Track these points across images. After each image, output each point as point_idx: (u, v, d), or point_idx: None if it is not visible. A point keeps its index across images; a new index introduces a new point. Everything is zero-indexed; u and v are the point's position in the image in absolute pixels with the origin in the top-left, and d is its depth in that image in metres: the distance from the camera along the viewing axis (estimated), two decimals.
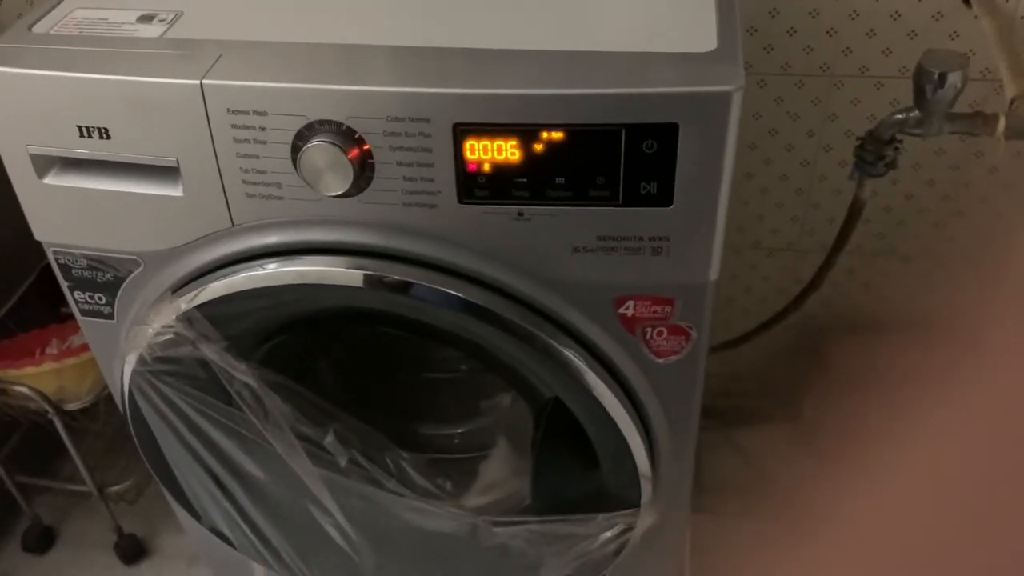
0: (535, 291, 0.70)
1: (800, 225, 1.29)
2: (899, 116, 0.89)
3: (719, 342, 1.30)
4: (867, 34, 1.08)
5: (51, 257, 0.78)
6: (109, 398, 0.87)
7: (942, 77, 0.82)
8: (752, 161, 1.22)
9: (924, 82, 0.84)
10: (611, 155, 0.63)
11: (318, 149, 0.64)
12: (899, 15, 1.06)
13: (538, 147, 0.63)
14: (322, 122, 0.64)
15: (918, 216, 1.26)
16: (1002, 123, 0.85)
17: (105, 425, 1.31)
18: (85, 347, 1.16)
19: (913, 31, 1.07)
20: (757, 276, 1.35)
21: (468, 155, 0.64)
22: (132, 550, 1.39)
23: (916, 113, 0.87)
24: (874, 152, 0.94)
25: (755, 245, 1.32)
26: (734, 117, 0.61)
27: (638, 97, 0.61)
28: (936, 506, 0.31)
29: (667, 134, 0.62)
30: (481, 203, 0.66)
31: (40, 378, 1.21)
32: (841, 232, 1.06)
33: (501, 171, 0.65)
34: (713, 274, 0.69)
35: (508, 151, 0.64)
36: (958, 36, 1.07)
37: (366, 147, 0.65)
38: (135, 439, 0.86)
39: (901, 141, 0.94)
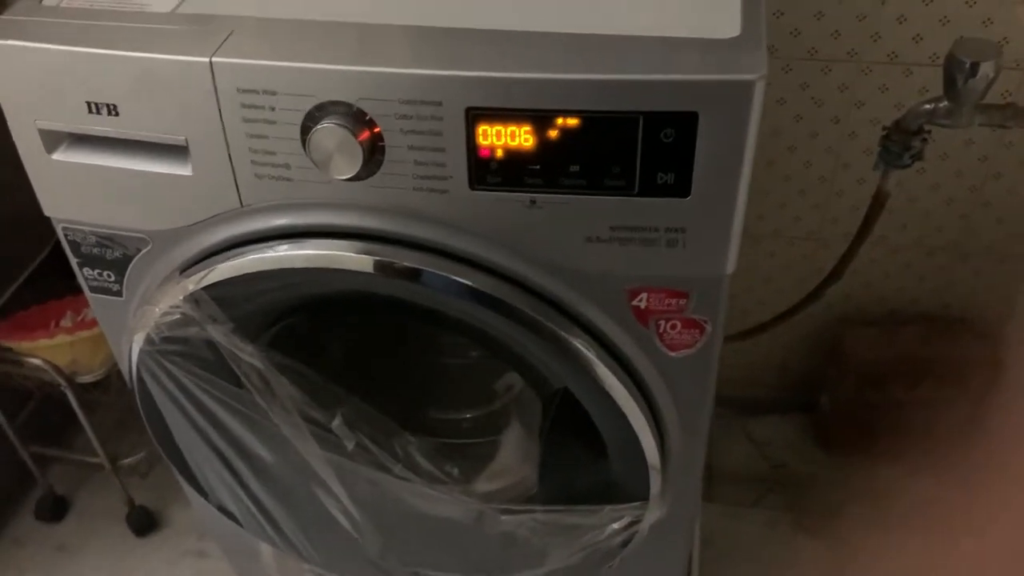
0: (546, 281, 0.69)
1: (822, 214, 1.26)
2: (928, 106, 0.86)
3: (736, 331, 1.28)
4: (898, 19, 1.05)
5: (60, 233, 0.78)
6: (121, 371, 0.86)
7: (974, 66, 0.79)
8: (775, 148, 1.20)
9: (955, 71, 0.81)
10: (628, 143, 0.61)
11: (328, 131, 0.63)
12: (932, 0, 1.03)
13: (552, 133, 0.62)
14: (332, 103, 0.63)
15: (944, 207, 1.23)
16: None
17: (117, 398, 1.32)
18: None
19: (945, 17, 1.04)
20: (777, 265, 1.33)
21: (480, 140, 0.63)
22: (143, 522, 1.40)
23: (945, 103, 0.84)
24: (900, 143, 0.91)
25: (775, 234, 1.30)
26: (756, 107, 0.59)
27: (657, 84, 0.59)
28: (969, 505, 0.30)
29: (686, 123, 0.60)
30: (493, 190, 0.65)
31: (54, 350, 1.22)
32: (864, 223, 1.04)
33: (514, 157, 0.63)
34: (730, 267, 0.67)
35: (521, 137, 0.62)
36: (992, 23, 1.03)
37: (376, 130, 0.64)
38: (143, 417, 0.86)
39: (929, 132, 0.91)
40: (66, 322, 1.28)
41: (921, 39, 1.06)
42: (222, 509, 0.92)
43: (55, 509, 1.43)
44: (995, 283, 1.29)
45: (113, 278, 0.79)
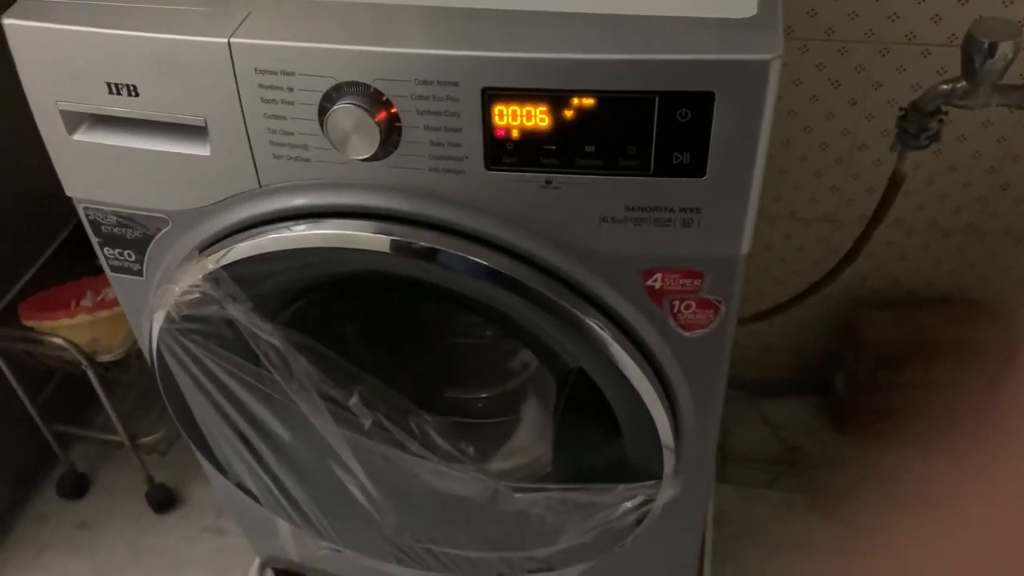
0: (562, 261, 0.69)
1: (839, 195, 1.26)
2: (945, 87, 0.86)
3: (751, 313, 1.28)
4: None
5: (81, 213, 0.79)
6: (141, 351, 0.88)
7: (992, 47, 0.79)
8: (791, 129, 1.19)
9: (973, 51, 0.80)
10: (643, 123, 0.61)
11: (345, 111, 0.64)
12: None
13: (568, 114, 0.62)
14: (350, 84, 0.63)
15: (962, 189, 1.22)
16: None
17: (137, 377, 1.33)
18: (118, 300, 1.17)
19: None
20: (792, 247, 1.33)
21: (497, 120, 0.63)
22: (163, 499, 1.42)
23: (963, 84, 0.84)
24: (917, 124, 0.91)
25: (791, 215, 1.29)
26: (772, 87, 0.59)
27: (673, 64, 0.59)
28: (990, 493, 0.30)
29: (702, 103, 0.60)
30: (509, 170, 0.65)
31: (74, 330, 1.23)
32: (880, 205, 1.03)
33: (530, 138, 0.63)
34: (745, 247, 0.68)
35: (537, 117, 0.63)
36: (1012, 2, 1.02)
37: (393, 110, 0.64)
38: (163, 395, 0.87)
39: (946, 113, 0.90)
40: (86, 302, 1.29)
41: (940, 19, 1.05)
42: (240, 486, 0.94)
43: (77, 486, 1.46)
44: (1012, 265, 1.29)
45: (134, 258, 0.80)
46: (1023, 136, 1.15)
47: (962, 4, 1.03)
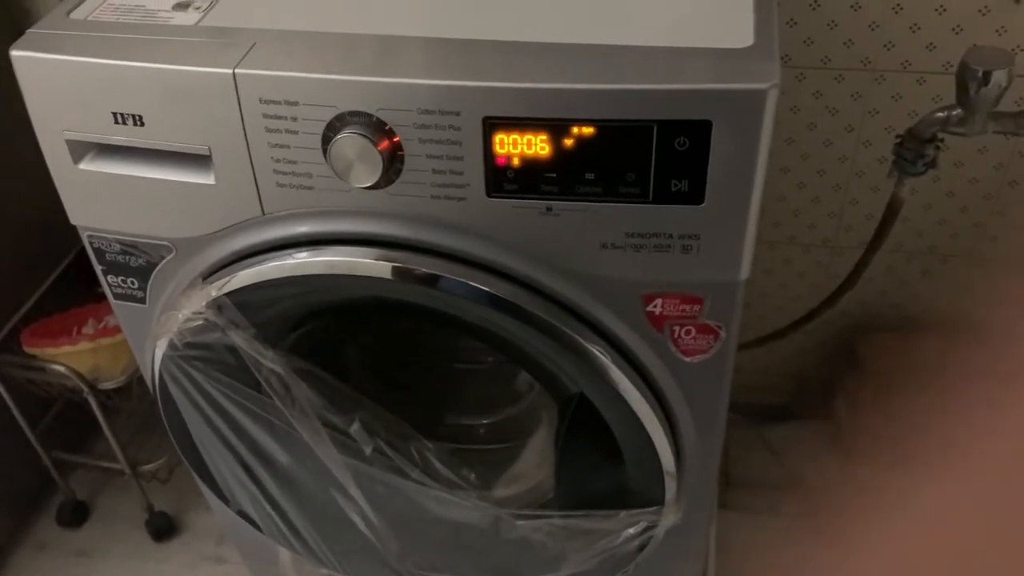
0: (563, 286, 0.70)
1: (837, 221, 1.27)
2: (941, 114, 0.87)
3: (752, 338, 1.29)
4: (911, 28, 1.06)
5: (85, 241, 0.79)
6: (142, 378, 0.88)
7: (986, 75, 0.80)
8: (789, 155, 1.20)
9: (968, 79, 0.81)
10: (642, 152, 0.62)
11: (348, 140, 0.64)
12: (944, 9, 1.03)
13: (568, 142, 0.63)
14: (353, 113, 0.64)
15: (959, 215, 1.23)
16: None
17: (138, 405, 1.33)
18: (120, 327, 1.18)
19: (958, 26, 1.04)
20: (792, 272, 1.34)
21: (498, 149, 0.64)
22: (163, 527, 1.42)
23: (959, 111, 0.85)
24: (914, 151, 0.92)
25: (790, 240, 1.30)
26: (769, 115, 0.60)
27: (671, 93, 0.60)
28: (990, 519, 0.30)
29: (700, 131, 0.61)
30: (510, 197, 0.66)
31: (76, 357, 1.23)
32: (878, 231, 1.04)
33: (530, 165, 0.64)
34: (744, 273, 0.68)
35: (538, 145, 0.63)
36: (1005, 32, 1.04)
37: (396, 139, 0.65)
38: (165, 422, 0.87)
39: (942, 140, 0.91)
40: (88, 329, 1.30)
41: (934, 47, 1.07)
42: (242, 514, 0.94)
43: (76, 514, 1.45)
44: (1012, 291, 1.29)
45: (137, 285, 0.81)
46: (1019, 162, 1.16)
47: (956, 33, 1.05)
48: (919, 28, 1.06)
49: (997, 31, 1.04)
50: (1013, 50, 1.03)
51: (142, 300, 0.82)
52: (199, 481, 0.94)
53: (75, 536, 1.44)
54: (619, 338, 0.72)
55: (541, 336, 0.70)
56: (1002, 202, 1.20)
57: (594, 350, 0.71)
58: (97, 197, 0.75)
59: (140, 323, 0.83)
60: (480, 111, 0.62)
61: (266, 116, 0.66)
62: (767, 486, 1.42)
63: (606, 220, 0.66)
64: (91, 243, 0.79)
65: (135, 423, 1.43)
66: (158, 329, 0.79)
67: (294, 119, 0.66)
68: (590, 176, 0.64)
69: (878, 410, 1.36)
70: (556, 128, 0.63)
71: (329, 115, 0.65)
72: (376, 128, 0.64)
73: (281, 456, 0.86)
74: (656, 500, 0.80)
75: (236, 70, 0.65)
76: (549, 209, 0.66)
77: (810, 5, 1.06)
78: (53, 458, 1.40)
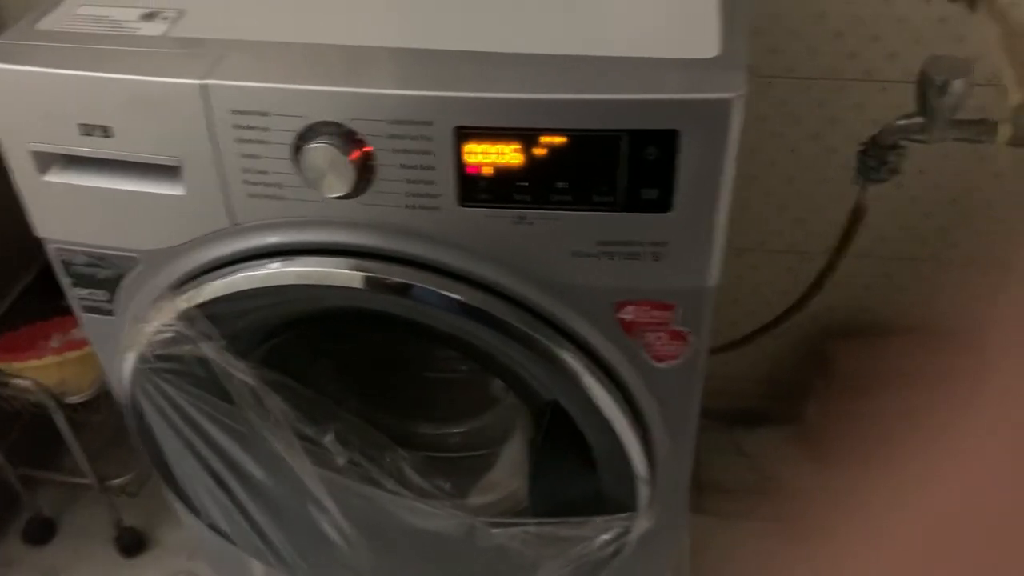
0: (535, 295, 0.70)
1: (803, 228, 1.28)
2: (902, 122, 0.89)
3: (722, 343, 1.30)
4: (872, 38, 1.08)
5: (52, 254, 0.78)
6: (110, 391, 0.87)
7: (945, 83, 0.82)
8: (756, 164, 1.22)
9: (928, 88, 0.83)
10: (612, 161, 0.63)
11: (319, 150, 0.64)
12: (905, 19, 1.06)
13: (539, 151, 0.63)
14: (324, 123, 0.64)
15: (923, 220, 1.25)
16: (1005, 130, 0.85)
17: (106, 418, 1.31)
18: (87, 340, 1.16)
19: (918, 35, 1.07)
20: (760, 278, 1.35)
21: (469, 158, 0.64)
22: (132, 543, 1.40)
23: (920, 119, 0.87)
24: (877, 157, 0.94)
25: (759, 247, 1.32)
26: (735, 125, 0.61)
27: (639, 103, 0.61)
28: (960, 519, 0.31)
29: (667, 140, 0.62)
30: (482, 206, 0.66)
31: (42, 371, 1.21)
32: (843, 236, 1.06)
33: (502, 175, 0.65)
34: (713, 280, 0.69)
35: (509, 155, 0.64)
36: (963, 41, 1.06)
37: (367, 149, 0.65)
38: (135, 435, 0.86)
39: (904, 147, 0.93)
40: (54, 343, 1.28)
41: (895, 57, 1.09)
42: (214, 527, 0.93)
43: (43, 531, 1.43)
44: (975, 294, 1.32)
45: (105, 297, 0.80)
46: (980, 169, 1.18)
47: (916, 42, 1.07)
48: (880, 38, 1.08)
49: (955, 41, 1.06)
50: (971, 59, 1.05)
51: (110, 312, 0.81)
52: (170, 494, 0.93)
53: (43, 553, 1.42)
54: (592, 345, 0.73)
55: (514, 344, 0.71)
56: (964, 207, 1.23)
57: (567, 357, 0.71)
58: (63, 209, 0.74)
59: (108, 336, 0.82)
60: (452, 121, 0.63)
61: (236, 127, 0.66)
62: (740, 490, 1.44)
63: (578, 228, 0.66)
64: (58, 255, 0.78)
65: (103, 437, 1.41)
66: (127, 341, 0.78)
67: (265, 129, 0.65)
68: (561, 185, 0.65)
69: (847, 412, 1.38)
70: (527, 138, 0.63)
71: (300, 125, 0.65)
72: (347, 138, 0.64)
73: (254, 468, 0.85)
74: (629, 506, 0.81)
75: (206, 81, 0.65)
76: (521, 218, 0.66)
77: (775, 15, 1.08)
78: (19, 474, 1.37)
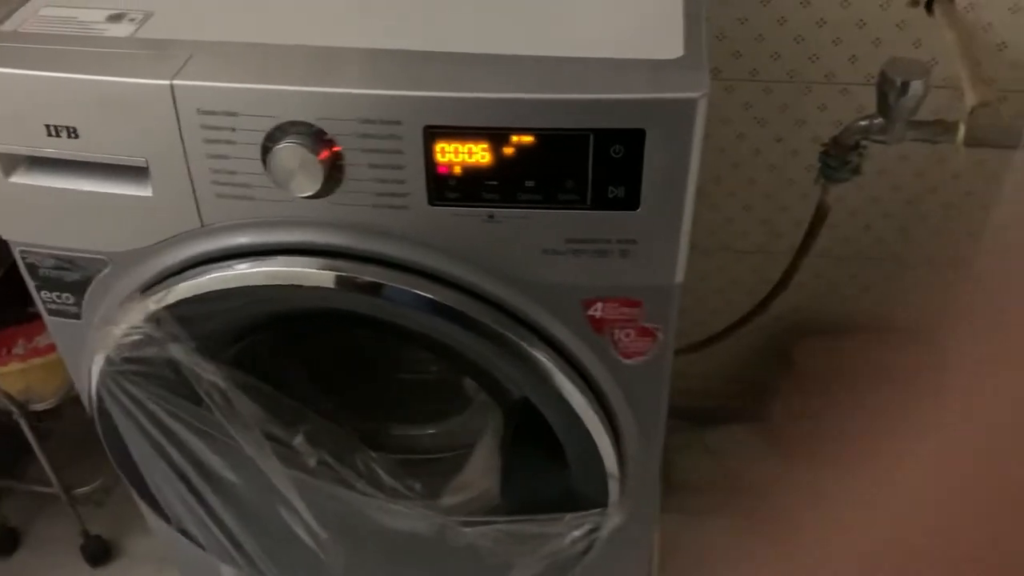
0: (505, 292, 0.71)
1: (768, 228, 1.31)
2: (863, 122, 0.91)
3: (689, 343, 1.31)
4: (833, 41, 1.10)
5: (17, 256, 0.78)
6: (76, 398, 0.86)
7: (905, 85, 0.84)
8: (721, 165, 1.24)
9: (887, 89, 0.85)
10: (579, 159, 0.64)
11: (288, 150, 0.65)
12: (864, 23, 1.08)
13: (508, 150, 0.64)
14: (292, 123, 0.65)
15: (883, 220, 1.28)
16: (962, 131, 0.87)
17: (72, 426, 1.30)
18: (52, 347, 1.14)
19: (878, 39, 1.09)
20: (727, 278, 1.37)
21: (439, 157, 0.65)
22: (99, 552, 1.38)
23: (880, 120, 0.89)
24: (838, 158, 0.96)
25: (724, 248, 1.34)
26: (699, 123, 0.62)
27: (605, 103, 0.62)
28: (924, 511, 0.32)
29: (634, 139, 0.63)
30: (452, 205, 0.67)
31: (6, 378, 1.20)
32: (806, 236, 1.08)
33: (471, 174, 0.65)
34: (679, 276, 0.70)
35: (478, 154, 0.65)
36: (921, 45, 1.09)
37: (336, 149, 0.65)
38: (103, 440, 0.85)
39: (865, 147, 0.95)
40: (18, 349, 1.26)
41: (856, 59, 1.11)
42: (183, 532, 0.92)
43: (7, 542, 1.40)
44: (935, 292, 1.35)
45: (72, 300, 0.79)
46: (938, 169, 1.21)
47: (876, 46, 1.10)
48: (841, 41, 1.10)
49: (913, 44, 1.09)
50: (929, 62, 1.08)
51: (77, 316, 0.80)
52: (138, 501, 0.92)
53: (7, 564, 1.39)
54: (561, 342, 0.73)
55: (485, 342, 0.71)
56: (923, 207, 1.26)
57: (538, 355, 0.72)
58: (30, 211, 0.74)
59: (75, 339, 0.82)
60: (421, 120, 0.63)
61: (204, 127, 0.66)
62: (708, 488, 1.45)
63: (547, 226, 0.67)
64: (23, 258, 0.77)
65: (69, 445, 1.39)
66: (95, 344, 0.77)
67: (233, 130, 0.65)
68: (530, 184, 0.65)
69: (812, 410, 1.40)
70: (496, 137, 0.64)
71: (269, 125, 0.65)
72: (316, 138, 0.65)
73: (224, 471, 0.85)
74: (600, 502, 0.82)
75: (174, 81, 0.65)
76: (491, 216, 0.67)
77: (738, 19, 1.10)
78: None
